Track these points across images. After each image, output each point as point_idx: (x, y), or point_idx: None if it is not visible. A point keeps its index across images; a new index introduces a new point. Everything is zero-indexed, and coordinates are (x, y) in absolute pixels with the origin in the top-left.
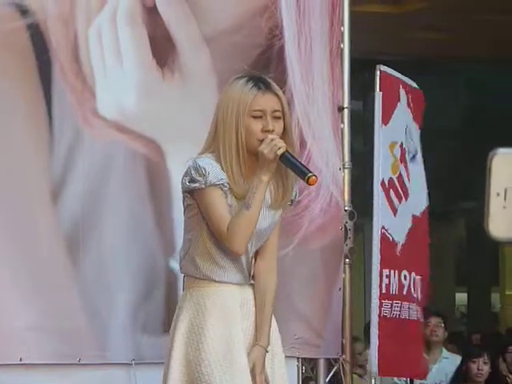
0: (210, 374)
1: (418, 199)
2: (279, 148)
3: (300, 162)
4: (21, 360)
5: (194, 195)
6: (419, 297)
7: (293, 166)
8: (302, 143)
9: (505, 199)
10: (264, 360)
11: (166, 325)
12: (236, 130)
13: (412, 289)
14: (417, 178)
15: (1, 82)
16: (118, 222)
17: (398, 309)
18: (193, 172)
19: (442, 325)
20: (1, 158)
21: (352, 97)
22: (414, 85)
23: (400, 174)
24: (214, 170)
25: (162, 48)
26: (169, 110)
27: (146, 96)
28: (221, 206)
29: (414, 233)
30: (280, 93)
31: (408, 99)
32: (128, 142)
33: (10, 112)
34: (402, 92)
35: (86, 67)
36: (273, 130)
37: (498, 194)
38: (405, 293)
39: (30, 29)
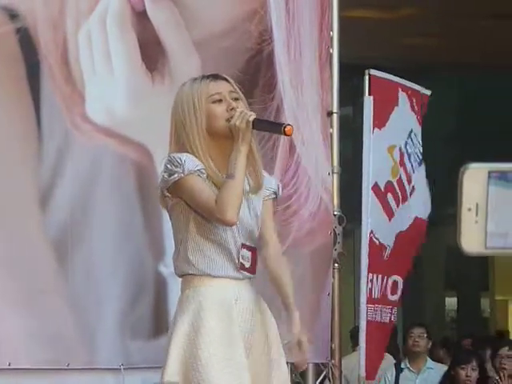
0: (207, 372)
1: (421, 202)
2: (250, 116)
3: (271, 121)
4: (9, 365)
5: (175, 190)
6: (397, 299)
7: (267, 127)
8: (291, 148)
9: (476, 214)
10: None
11: (156, 329)
12: (196, 120)
13: (389, 292)
14: (422, 181)
15: None
16: (107, 227)
17: (379, 313)
18: (169, 166)
19: (425, 335)
20: None
21: (342, 102)
22: (416, 87)
23: (400, 178)
24: (189, 159)
25: (152, 52)
26: (158, 115)
27: (136, 100)
28: (205, 188)
29: (406, 235)
30: (230, 79)
31: (412, 102)
32: (117, 146)
33: None
34: (402, 95)
35: (76, 71)
36: (237, 108)
37: (470, 209)
38: (386, 296)
39: (19, 33)
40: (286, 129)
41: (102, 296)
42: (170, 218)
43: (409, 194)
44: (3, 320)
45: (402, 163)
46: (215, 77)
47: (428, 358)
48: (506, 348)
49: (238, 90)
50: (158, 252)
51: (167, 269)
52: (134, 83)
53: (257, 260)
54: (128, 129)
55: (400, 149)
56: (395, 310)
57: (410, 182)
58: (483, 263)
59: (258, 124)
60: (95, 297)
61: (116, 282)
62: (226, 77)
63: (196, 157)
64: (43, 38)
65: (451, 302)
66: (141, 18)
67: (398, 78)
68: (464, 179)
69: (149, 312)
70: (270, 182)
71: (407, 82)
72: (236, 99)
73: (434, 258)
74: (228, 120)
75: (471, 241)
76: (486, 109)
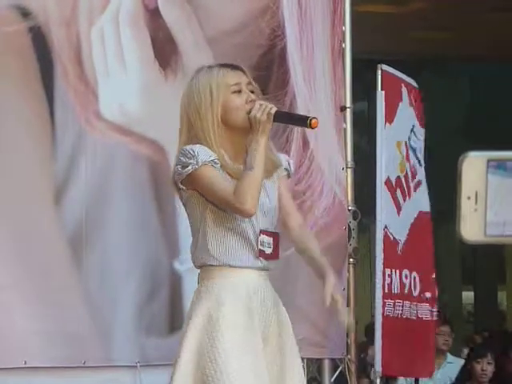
0: (224, 361)
1: (424, 197)
2: (271, 108)
3: (293, 114)
4: (25, 363)
5: (190, 182)
6: (427, 296)
7: (290, 120)
8: (305, 143)
9: (476, 202)
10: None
11: (171, 326)
12: (212, 110)
13: (413, 288)
14: (424, 175)
15: (3, 85)
16: (122, 224)
17: (401, 308)
18: (182, 158)
19: (452, 333)
20: (3, 160)
21: (357, 97)
22: (414, 84)
23: (406, 173)
24: (202, 150)
25: (165, 49)
26: (171, 112)
27: (149, 97)
28: (220, 178)
29: (416, 231)
30: (246, 70)
31: (410, 98)
32: (131, 143)
33: (12, 114)
34: (404, 91)
35: (89, 69)
36: (256, 100)
37: (469, 198)
38: (406, 292)
39: (31, 31)
40: (312, 122)
41: (117, 293)
42: (186, 210)
43: (413, 189)
44: (18, 318)
45: (408, 158)
46: (233, 67)
47: (448, 354)
48: None
49: (252, 81)
50: (173, 249)
51: (182, 266)
52: (146, 80)
53: (279, 245)
54: (141, 126)
55: (406, 143)
56: (430, 307)
57: (414, 176)
58: (500, 256)
59: (279, 117)
60: (111, 294)
61: (131, 279)
62: (243, 68)
63: (209, 147)
64: (56, 37)
65: (468, 295)
66: (153, 15)
67: (400, 73)
68: (463, 168)
69: (164, 309)
70: (280, 161)
71: (406, 76)
72: (252, 92)
73: (450, 252)
74: (248, 112)
75: (470, 229)
76: (497, 101)
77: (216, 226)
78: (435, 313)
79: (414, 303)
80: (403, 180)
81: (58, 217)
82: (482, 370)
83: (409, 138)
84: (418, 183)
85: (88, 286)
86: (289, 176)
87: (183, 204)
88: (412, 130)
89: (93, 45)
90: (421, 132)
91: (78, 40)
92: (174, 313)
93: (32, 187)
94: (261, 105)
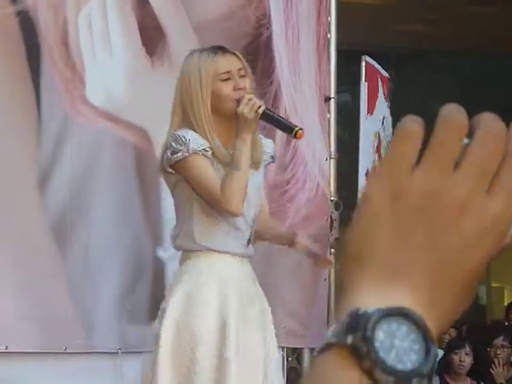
0: (198, 343)
1: None
2: (259, 106)
3: (282, 118)
4: (6, 348)
5: (178, 168)
6: None
7: (276, 123)
8: None
9: None
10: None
11: (153, 313)
12: (202, 98)
13: None
14: None
15: None
16: (106, 211)
17: None
18: (173, 143)
19: None
20: None
21: (342, 88)
22: (386, 74)
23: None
24: (193, 137)
25: (152, 37)
26: (158, 99)
27: (135, 84)
28: (209, 170)
29: None
30: (237, 52)
31: (384, 90)
32: (117, 130)
33: None
34: (380, 83)
35: (76, 54)
36: (244, 87)
37: None
38: None
39: (19, 15)
40: (296, 134)
41: (100, 280)
42: (173, 195)
43: None
44: (0, 304)
45: (379, 149)
46: (224, 51)
47: None
48: (501, 338)
49: (245, 65)
50: (157, 236)
51: (166, 253)
52: (133, 67)
53: None
54: (127, 112)
55: (378, 135)
56: None
57: None
58: None
59: (267, 117)
60: (93, 281)
61: (114, 266)
62: (235, 51)
63: (202, 134)
64: (43, 21)
65: None
66: (141, 2)
67: (377, 64)
68: None
69: (147, 296)
70: (267, 146)
71: (380, 67)
72: (243, 77)
73: None
74: (237, 101)
75: None
76: (483, 94)
77: (203, 212)
78: None
79: None
80: None
81: (42, 203)
82: (460, 361)
83: (381, 130)
84: None
85: (71, 273)
86: (273, 160)
87: (170, 189)
88: (383, 122)
89: (80, 30)
90: (389, 122)
91: (66, 25)
92: (157, 300)
93: (17, 173)
94: (249, 100)
